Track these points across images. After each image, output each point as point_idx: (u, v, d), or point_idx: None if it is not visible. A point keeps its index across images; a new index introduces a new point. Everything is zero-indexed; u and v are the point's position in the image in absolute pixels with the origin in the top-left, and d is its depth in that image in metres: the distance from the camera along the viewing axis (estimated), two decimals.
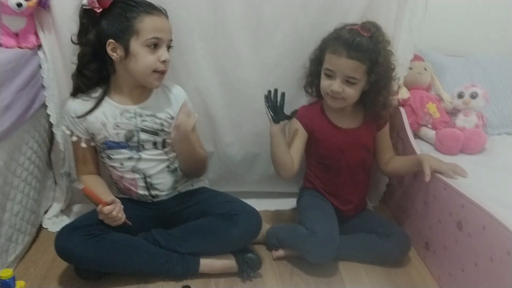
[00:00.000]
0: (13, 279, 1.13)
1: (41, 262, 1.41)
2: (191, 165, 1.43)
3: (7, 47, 1.39)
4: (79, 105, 1.34)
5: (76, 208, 1.69)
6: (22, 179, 1.40)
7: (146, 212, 1.41)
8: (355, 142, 1.48)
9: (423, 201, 1.47)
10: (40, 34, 1.46)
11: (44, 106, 1.50)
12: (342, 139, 1.47)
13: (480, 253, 1.16)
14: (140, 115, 1.35)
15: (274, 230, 1.52)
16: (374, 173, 1.65)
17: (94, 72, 1.34)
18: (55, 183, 1.66)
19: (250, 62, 1.57)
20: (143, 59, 1.28)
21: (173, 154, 1.41)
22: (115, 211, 1.26)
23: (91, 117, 1.33)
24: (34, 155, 1.47)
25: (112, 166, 1.39)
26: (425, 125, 1.68)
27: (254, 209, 1.39)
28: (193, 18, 1.49)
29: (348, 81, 1.37)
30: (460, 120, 1.67)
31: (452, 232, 1.29)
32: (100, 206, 1.26)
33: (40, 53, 1.47)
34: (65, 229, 1.28)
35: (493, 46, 1.98)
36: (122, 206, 1.30)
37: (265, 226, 1.49)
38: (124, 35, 1.26)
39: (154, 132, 1.36)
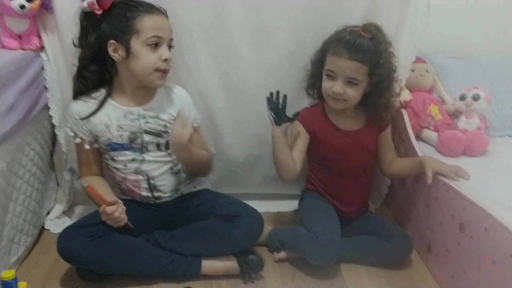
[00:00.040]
0: (15, 280, 1.13)
1: (43, 264, 1.41)
2: (194, 169, 1.44)
3: (10, 49, 1.40)
4: (83, 107, 1.34)
5: (78, 209, 1.69)
6: (25, 180, 1.40)
7: (148, 214, 1.42)
8: (357, 144, 1.48)
9: (425, 203, 1.47)
10: (43, 36, 1.47)
11: (46, 107, 1.50)
12: (344, 141, 1.47)
13: (482, 255, 1.16)
14: (144, 117, 1.35)
15: (276, 232, 1.52)
16: (376, 175, 1.65)
17: (95, 74, 1.35)
18: (57, 184, 1.66)
19: (251, 63, 1.57)
20: (144, 58, 1.28)
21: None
22: (117, 212, 1.27)
23: (94, 119, 1.34)
24: (37, 157, 1.48)
25: (115, 167, 1.40)
26: (427, 127, 1.68)
27: (256, 210, 1.39)
28: (194, 19, 1.50)
29: (350, 82, 1.37)
30: (462, 122, 1.67)
31: (454, 234, 1.28)
32: (103, 206, 1.26)
33: (42, 54, 1.48)
34: (67, 230, 1.28)
35: (494, 48, 1.98)
36: (124, 207, 1.30)
37: (267, 228, 1.49)
38: (124, 35, 1.27)
39: (158, 134, 1.36)
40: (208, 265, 1.36)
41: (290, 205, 1.77)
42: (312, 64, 1.49)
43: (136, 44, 1.27)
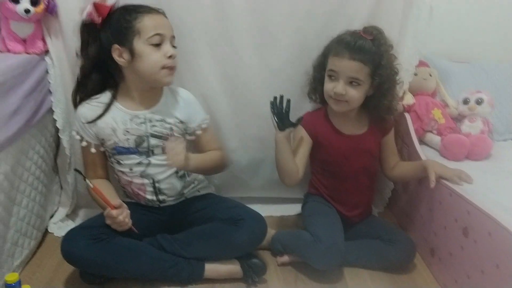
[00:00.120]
0: (19, 283, 1.14)
1: (46, 267, 1.42)
2: (206, 172, 1.48)
3: (15, 53, 1.40)
4: (89, 110, 1.35)
5: (82, 212, 1.70)
6: (29, 183, 1.40)
7: (152, 217, 1.42)
8: (359, 148, 1.48)
9: (428, 207, 1.46)
10: (48, 40, 1.48)
11: (50, 111, 1.51)
12: (347, 145, 1.47)
13: (486, 260, 1.16)
14: (150, 121, 1.36)
15: (279, 236, 1.52)
16: (379, 179, 1.65)
17: (97, 82, 1.36)
18: (61, 187, 1.67)
19: (254, 67, 1.58)
20: (149, 57, 1.28)
21: None
22: (122, 216, 1.27)
23: (101, 123, 1.34)
24: (41, 160, 1.48)
25: (121, 171, 1.40)
26: (430, 131, 1.68)
27: (259, 214, 1.39)
28: (198, 24, 1.50)
29: (352, 83, 1.37)
30: (466, 126, 1.67)
31: (458, 238, 1.28)
32: (108, 209, 1.27)
33: (47, 58, 1.49)
34: (71, 233, 1.28)
35: (497, 52, 1.98)
36: (129, 211, 1.30)
37: (270, 232, 1.49)
38: (126, 37, 1.27)
39: (164, 137, 1.37)
40: (211, 268, 1.36)
41: (293, 209, 1.77)
42: (314, 68, 1.50)
43: (139, 44, 1.28)
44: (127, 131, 1.35)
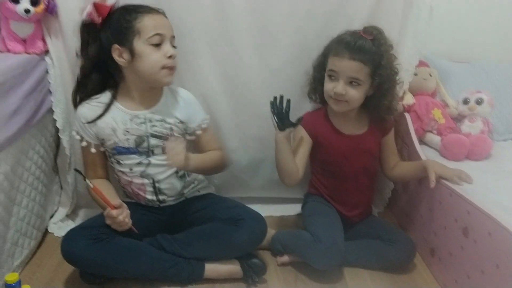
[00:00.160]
0: (19, 283, 1.14)
1: (46, 267, 1.42)
2: (206, 172, 1.48)
3: (15, 53, 1.40)
4: (89, 110, 1.35)
5: (82, 212, 1.70)
6: (29, 183, 1.40)
7: (152, 217, 1.42)
8: (359, 148, 1.48)
9: (428, 207, 1.46)
10: (48, 40, 1.48)
11: (50, 111, 1.51)
12: (347, 145, 1.47)
13: (486, 260, 1.16)
14: (150, 121, 1.36)
15: (279, 236, 1.52)
16: (379, 179, 1.65)
17: (97, 82, 1.36)
18: (61, 187, 1.67)
19: (254, 67, 1.58)
20: (149, 57, 1.28)
21: None
22: (121, 216, 1.27)
23: (101, 123, 1.34)
24: (41, 160, 1.48)
25: (121, 171, 1.40)
26: (430, 131, 1.68)
27: (259, 214, 1.39)
28: (198, 24, 1.50)
29: (351, 83, 1.37)
30: (466, 126, 1.67)
31: (458, 238, 1.28)
32: (108, 209, 1.27)
33: (47, 58, 1.49)
34: (71, 233, 1.28)
35: (497, 52, 1.98)
36: (129, 211, 1.30)
37: (270, 232, 1.49)
38: (126, 37, 1.27)
39: (164, 137, 1.37)
40: (211, 268, 1.36)
41: (293, 209, 1.77)
42: (314, 68, 1.49)
43: (139, 44, 1.28)
44: (127, 131, 1.35)
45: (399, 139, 1.66)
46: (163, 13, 1.33)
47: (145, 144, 1.36)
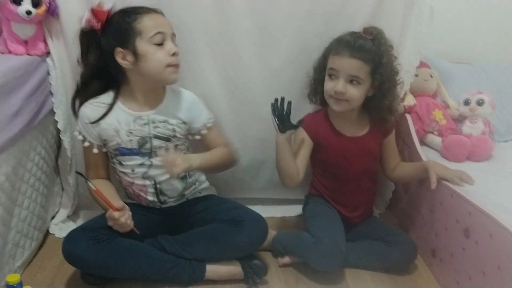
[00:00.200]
0: (20, 284, 1.14)
1: (48, 268, 1.42)
2: (213, 171, 1.49)
3: (16, 54, 1.41)
4: (92, 111, 1.35)
5: (83, 213, 1.70)
6: (30, 184, 1.41)
7: (153, 218, 1.42)
8: (360, 149, 1.47)
9: (430, 208, 1.46)
10: (49, 41, 1.48)
11: (52, 112, 1.51)
12: (348, 147, 1.47)
13: (487, 261, 1.16)
14: (153, 122, 1.36)
15: (280, 237, 1.52)
16: (380, 180, 1.64)
17: (97, 90, 1.37)
18: (62, 189, 1.67)
19: (255, 68, 1.58)
20: (153, 56, 1.29)
21: None
22: (123, 218, 1.27)
23: (104, 123, 1.34)
24: (42, 161, 1.49)
25: (123, 172, 1.40)
26: (431, 132, 1.68)
27: (260, 216, 1.39)
28: (198, 24, 1.51)
29: (352, 82, 1.37)
30: (467, 127, 1.67)
31: (459, 239, 1.28)
32: (110, 211, 1.27)
33: (48, 60, 1.49)
34: (73, 234, 1.28)
35: (499, 53, 1.98)
36: (130, 213, 1.30)
37: (271, 233, 1.49)
38: (128, 39, 1.28)
39: (167, 139, 1.37)
40: (212, 269, 1.36)
41: (294, 210, 1.77)
42: (315, 70, 1.49)
43: (141, 44, 1.28)
44: (130, 132, 1.35)
45: (400, 140, 1.66)
46: (161, 13, 1.34)
47: (147, 145, 1.36)
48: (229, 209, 1.40)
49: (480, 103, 1.67)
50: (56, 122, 1.52)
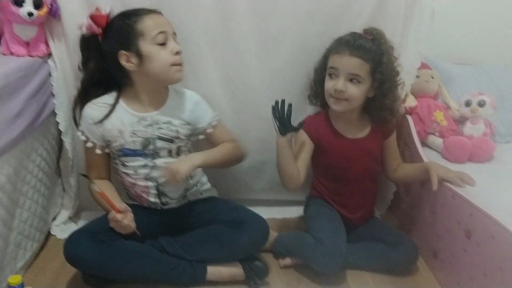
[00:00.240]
0: (22, 285, 1.14)
1: (49, 269, 1.42)
2: (220, 166, 1.48)
3: (18, 56, 1.41)
4: (95, 111, 1.35)
5: (84, 215, 1.70)
6: (31, 186, 1.41)
7: (154, 219, 1.42)
8: (361, 151, 1.47)
9: (431, 209, 1.46)
10: (50, 43, 1.48)
11: (53, 113, 1.51)
12: (349, 148, 1.47)
13: (489, 262, 1.16)
14: (157, 123, 1.36)
15: (281, 238, 1.52)
16: (381, 181, 1.64)
17: (99, 94, 1.37)
18: (64, 190, 1.67)
19: (256, 69, 1.58)
20: (158, 56, 1.29)
21: None
22: (126, 220, 1.27)
23: (108, 124, 1.35)
24: (43, 162, 1.49)
25: (125, 172, 1.40)
26: (433, 133, 1.68)
27: (261, 217, 1.39)
28: (199, 25, 1.51)
29: (352, 80, 1.37)
30: (468, 128, 1.66)
31: (461, 241, 1.28)
32: (112, 213, 1.27)
33: (50, 61, 1.49)
34: (74, 235, 1.28)
35: (500, 54, 1.98)
36: (132, 215, 1.30)
37: (272, 234, 1.49)
38: (131, 41, 1.28)
39: (170, 140, 1.37)
40: (213, 271, 1.36)
41: (295, 211, 1.76)
42: (315, 70, 1.50)
43: (145, 45, 1.28)
44: (134, 133, 1.35)
45: (401, 141, 1.66)
46: (160, 13, 1.34)
47: (151, 147, 1.36)
48: (230, 211, 1.41)
49: (481, 104, 1.66)
50: (57, 123, 1.52)
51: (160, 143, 1.37)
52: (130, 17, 1.29)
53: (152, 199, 1.41)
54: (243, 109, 1.63)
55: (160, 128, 1.36)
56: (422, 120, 1.67)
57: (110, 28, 1.31)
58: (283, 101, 1.32)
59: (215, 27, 1.52)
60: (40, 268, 1.43)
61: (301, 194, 1.67)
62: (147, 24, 1.28)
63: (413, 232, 1.59)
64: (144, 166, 1.38)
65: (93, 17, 1.29)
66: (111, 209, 1.27)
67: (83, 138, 1.38)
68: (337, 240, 1.37)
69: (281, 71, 1.59)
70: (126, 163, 1.38)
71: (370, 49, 1.36)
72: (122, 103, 1.36)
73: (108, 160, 1.44)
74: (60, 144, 1.60)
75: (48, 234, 1.57)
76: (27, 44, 1.43)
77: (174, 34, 1.34)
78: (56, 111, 1.51)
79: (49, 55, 1.49)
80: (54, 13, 1.43)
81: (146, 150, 1.36)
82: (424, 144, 1.67)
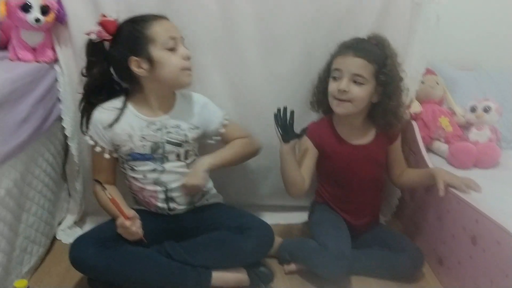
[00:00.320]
0: None
1: (55, 274, 1.42)
2: (234, 163, 1.50)
3: (25, 61, 1.42)
4: (105, 115, 1.36)
5: (90, 219, 1.71)
6: (38, 190, 1.41)
7: (160, 225, 1.42)
8: (366, 157, 1.47)
9: (436, 215, 1.46)
10: (57, 48, 1.49)
11: (59, 119, 1.52)
12: (353, 154, 1.46)
13: (495, 269, 1.15)
14: (166, 127, 1.37)
15: (286, 244, 1.51)
16: (386, 187, 1.64)
17: (103, 99, 1.38)
18: (69, 195, 1.68)
19: (260, 75, 1.58)
20: (169, 61, 1.30)
21: None
22: (134, 226, 1.28)
23: (117, 129, 1.35)
24: (49, 167, 1.49)
25: (133, 177, 1.40)
26: (438, 139, 1.68)
27: (266, 223, 1.39)
28: (205, 32, 1.51)
29: (356, 82, 1.37)
30: (473, 134, 1.66)
31: (466, 247, 1.27)
32: (121, 218, 1.27)
33: (56, 67, 1.50)
34: (80, 240, 1.29)
35: (505, 60, 1.98)
36: (140, 222, 1.31)
37: (277, 240, 1.49)
38: (141, 47, 1.29)
39: (178, 144, 1.38)
40: (218, 277, 1.35)
41: (299, 217, 1.76)
42: (319, 78, 1.50)
43: (155, 51, 1.29)
44: (143, 137, 1.36)
45: (406, 147, 1.66)
46: (167, 18, 1.35)
47: (160, 151, 1.37)
48: (236, 217, 1.41)
49: (486, 110, 1.66)
50: (63, 128, 1.53)
51: (169, 147, 1.37)
52: (139, 23, 1.30)
53: (160, 204, 1.41)
54: (247, 114, 1.63)
55: (169, 132, 1.37)
56: (427, 125, 1.67)
57: (119, 34, 1.32)
58: (285, 108, 1.32)
59: (221, 33, 1.52)
60: (46, 272, 1.43)
61: (306, 200, 1.67)
62: (157, 30, 1.29)
63: (419, 238, 1.58)
64: (153, 170, 1.38)
65: (102, 23, 1.30)
66: (119, 215, 1.28)
67: (91, 142, 1.39)
68: (341, 245, 1.37)
69: (286, 77, 1.59)
70: (135, 168, 1.39)
71: (374, 51, 1.37)
72: (131, 108, 1.37)
73: (115, 165, 1.44)
74: (66, 149, 1.61)
75: (54, 239, 1.57)
76: (34, 50, 1.45)
77: (182, 38, 1.35)
78: (62, 116, 1.52)
79: (56, 60, 1.50)
80: (61, 19, 1.44)
81: (155, 154, 1.37)
82: (429, 150, 1.67)
